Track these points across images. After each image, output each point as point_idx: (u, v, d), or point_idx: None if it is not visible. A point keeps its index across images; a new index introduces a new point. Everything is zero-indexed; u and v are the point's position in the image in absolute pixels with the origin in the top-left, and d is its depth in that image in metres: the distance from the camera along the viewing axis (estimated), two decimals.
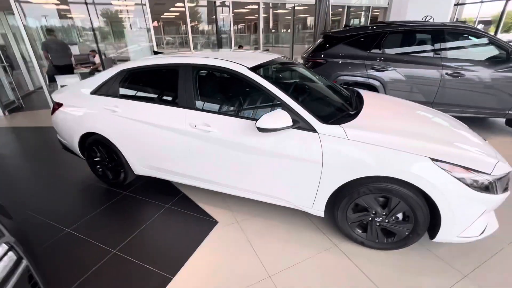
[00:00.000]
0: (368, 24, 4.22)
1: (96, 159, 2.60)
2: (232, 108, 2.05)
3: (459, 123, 2.11)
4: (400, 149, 1.54)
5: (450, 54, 3.56)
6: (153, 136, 2.16)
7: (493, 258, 1.74)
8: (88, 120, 2.41)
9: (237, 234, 2.00)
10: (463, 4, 16.40)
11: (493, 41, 3.48)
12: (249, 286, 1.59)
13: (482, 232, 1.62)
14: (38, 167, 3.22)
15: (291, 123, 1.65)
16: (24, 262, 0.98)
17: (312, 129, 1.69)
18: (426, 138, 1.63)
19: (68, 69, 6.14)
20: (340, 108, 2.00)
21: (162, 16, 11.65)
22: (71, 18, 8.27)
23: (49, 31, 5.92)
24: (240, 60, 1.97)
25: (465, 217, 1.53)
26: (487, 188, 1.49)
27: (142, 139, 2.22)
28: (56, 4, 7.39)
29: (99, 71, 7.71)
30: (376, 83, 3.77)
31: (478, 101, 3.58)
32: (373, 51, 3.76)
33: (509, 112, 3.54)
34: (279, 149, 1.75)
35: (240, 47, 8.00)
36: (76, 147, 2.62)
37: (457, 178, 1.47)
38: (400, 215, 1.69)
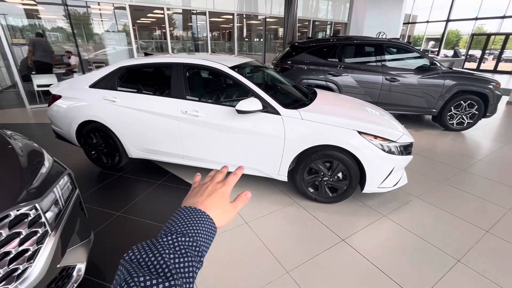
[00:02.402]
0: (328, 36, 5.02)
1: (93, 145, 2.95)
2: (215, 98, 2.58)
3: (385, 112, 2.85)
4: (338, 125, 2.19)
5: (389, 63, 4.46)
6: (148, 122, 2.60)
7: (405, 205, 2.45)
8: (87, 109, 2.78)
9: None
10: (412, 23, 18.64)
11: (420, 54, 4.44)
12: (230, 229, 2.10)
13: (395, 184, 2.32)
14: None
15: (261, 108, 2.22)
16: (77, 190, 1.41)
17: (277, 113, 2.28)
18: (355, 119, 2.31)
19: (47, 68, 6.23)
20: (298, 99, 2.64)
21: (137, 21, 11.83)
22: (45, 18, 8.21)
23: (38, 34, 6.19)
24: (222, 61, 2.52)
25: (381, 172, 2.21)
26: (393, 151, 2.19)
27: (138, 125, 2.65)
28: (31, 5, 7.37)
29: (75, 72, 7.75)
30: (333, 86, 4.54)
31: (411, 101, 4.49)
32: (330, 59, 4.54)
33: (433, 110, 4.50)
34: (253, 128, 2.31)
35: (213, 52, 8.55)
36: (73, 135, 2.95)
37: (374, 144, 2.15)
38: (340, 175, 2.33)
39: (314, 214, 2.31)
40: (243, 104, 2.19)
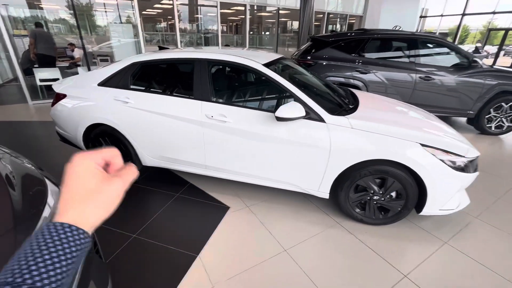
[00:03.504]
0: (348, 30, 4.62)
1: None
2: (246, 101, 2.22)
3: (434, 116, 2.48)
4: (397, 136, 1.83)
5: (422, 60, 4.05)
6: (166, 127, 2.26)
7: (465, 229, 2.11)
8: (96, 111, 2.43)
9: (249, 217, 2.18)
10: (427, 16, 17.99)
11: (457, 51, 4.03)
12: (268, 259, 1.78)
13: (458, 206, 1.97)
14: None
15: (304, 114, 1.87)
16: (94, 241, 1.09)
17: (321, 119, 1.93)
18: (415, 128, 1.95)
19: (51, 61, 5.88)
20: (340, 102, 2.27)
21: (142, 12, 11.38)
22: (47, 9, 7.82)
23: (38, 24, 5.78)
24: (253, 57, 2.15)
25: (446, 192, 1.86)
26: (462, 168, 1.83)
27: (154, 129, 2.31)
28: None
29: (78, 65, 7.39)
30: (359, 83, 4.16)
31: (445, 102, 4.10)
32: (358, 55, 4.14)
33: (470, 112, 4.11)
34: (291, 137, 1.96)
35: (227, 46, 8.13)
36: (80, 139, 2.61)
37: (440, 160, 1.79)
38: (393, 193, 1.98)
39: (362, 238, 1.97)
40: (284, 110, 1.83)
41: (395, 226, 2.10)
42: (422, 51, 4.07)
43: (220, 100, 2.14)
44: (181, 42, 7.40)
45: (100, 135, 2.54)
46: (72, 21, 6.71)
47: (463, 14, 15.59)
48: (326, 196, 2.11)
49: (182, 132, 2.23)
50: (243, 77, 2.40)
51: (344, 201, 2.07)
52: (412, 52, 4.07)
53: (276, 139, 1.99)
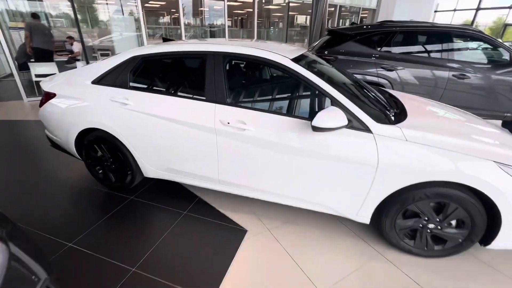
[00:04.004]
0: (381, 21, 4.20)
1: (97, 159, 2.25)
2: (270, 104, 1.83)
3: (491, 123, 2.08)
4: (463, 152, 1.44)
5: (456, 56, 3.62)
6: (172, 134, 1.88)
7: None
8: (89, 113, 2.07)
9: (272, 244, 1.81)
10: (441, 11, 17.33)
11: (497, 45, 3.59)
12: None
13: None
14: (20, 167, 2.76)
15: (346, 122, 1.48)
16: None
17: (366, 129, 1.54)
18: (484, 141, 1.55)
19: (48, 55, 5.51)
20: (385, 107, 1.87)
21: (145, 5, 10.95)
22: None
23: (34, 15, 5.39)
24: (274, 50, 1.76)
25: None
26: None
27: (158, 137, 1.94)
28: None
29: (78, 60, 7.03)
30: (384, 82, 3.74)
31: (480, 102, 3.68)
32: (383, 49, 3.71)
33: (508, 114, 3.68)
34: (327, 151, 1.58)
35: None
36: (71, 145, 2.25)
37: None
38: (454, 221, 1.60)
39: (413, 275, 1.60)
40: (323, 119, 1.44)
41: (451, 260, 1.71)
42: (457, 46, 3.64)
43: (238, 103, 1.76)
44: (185, 36, 7.01)
45: (95, 142, 2.17)
46: (71, 13, 6.34)
47: (478, 9, 14.96)
48: (366, 221, 1.73)
49: (191, 141, 1.86)
50: (265, 75, 2.01)
51: (389, 229, 1.69)
52: (445, 47, 3.63)
53: (308, 153, 1.61)
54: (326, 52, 3.94)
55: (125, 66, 2.01)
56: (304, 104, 1.73)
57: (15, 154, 3.06)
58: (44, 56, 5.51)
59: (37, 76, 5.31)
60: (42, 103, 2.27)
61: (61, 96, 2.15)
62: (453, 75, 3.58)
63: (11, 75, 7.45)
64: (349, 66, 3.75)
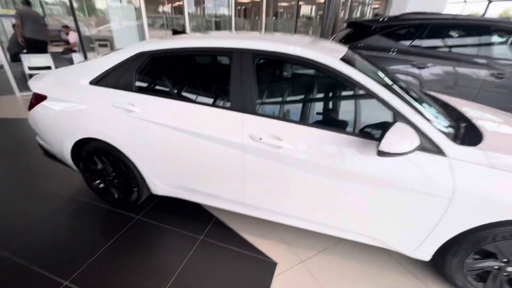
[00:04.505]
0: (402, 14, 3.81)
1: (97, 172, 1.93)
2: (312, 116, 1.49)
3: None
4: None
5: (496, 53, 3.26)
6: (188, 148, 1.56)
7: None
8: (87, 120, 1.73)
9: (308, 282, 1.51)
10: (451, 2, 16.74)
11: None
12: None
13: None
14: (7, 176, 2.43)
15: (419, 143, 1.16)
16: None
17: (440, 151, 1.22)
18: None
19: (41, 46, 5.09)
20: (454, 121, 1.53)
21: None
22: None
23: (26, 1, 4.92)
24: (319, 49, 1.42)
25: None
26: None
27: (171, 151, 1.61)
28: None
29: (74, 51, 6.60)
30: (413, 80, 3.40)
31: None
32: (413, 44, 3.35)
33: None
34: (390, 177, 1.26)
35: None
36: (67, 156, 1.92)
37: None
38: None
39: None
40: (392, 141, 1.11)
41: None
42: (495, 41, 3.27)
43: (272, 113, 1.42)
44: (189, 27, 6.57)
45: (95, 154, 1.85)
46: (67, 0, 5.88)
47: (490, 0, 14.42)
48: (426, 258, 1.43)
49: (212, 157, 1.53)
50: (304, 79, 1.65)
51: (455, 269, 1.39)
52: (483, 42, 3.27)
53: (363, 179, 1.29)
54: (354, 47, 3.57)
55: (130, 64, 1.65)
56: (357, 117, 1.39)
57: (2, 160, 2.72)
58: (37, 46, 5.10)
59: (30, 68, 4.91)
60: (31, 106, 1.92)
61: (53, 98, 1.81)
62: (491, 74, 3.24)
63: (2, 66, 7.02)
64: (376, 63, 3.39)
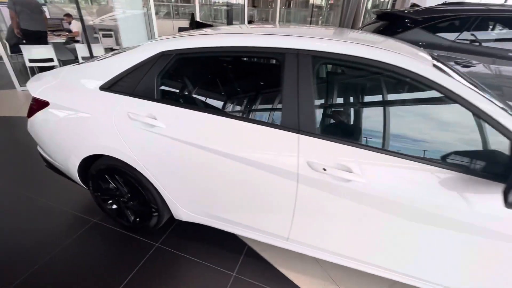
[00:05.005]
0: (445, 3, 3.42)
1: (109, 191, 1.64)
2: (399, 141, 1.15)
3: None
4: None
5: None
6: (225, 174, 1.25)
7: None
8: (97, 134, 1.42)
9: None
10: None
11: None
12: None
13: None
14: (5, 188, 2.15)
15: None
16: None
17: None
18: None
19: (40, 37, 4.73)
20: None
21: None
22: None
23: None
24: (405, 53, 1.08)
25: None
26: None
27: (202, 175, 1.31)
28: None
29: (77, 41, 6.24)
30: None
31: None
32: (459, 40, 2.97)
33: None
34: (506, 228, 0.95)
35: (250, 22, 6.82)
36: (73, 173, 1.63)
37: None
38: None
39: None
40: None
41: None
42: None
43: (338, 135, 1.10)
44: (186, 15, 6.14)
45: (107, 172, 1.55)
46: None
47: None
48: None
49: (255, 186, 1.23)
50: (378, 89, 1.31)
51: None
52: None
53: (466, 226, 0.98)
54: None
55: (151, 67, 1.33)
56: (459, 146, 1.07)
57: (1, 167, 2.44)
58: (37, 37, 4.75)
59: (31, 61, 4.58)
60: (31, 112, 1.62)
61: (57, 106, 1.50)
62: None
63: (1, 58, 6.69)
64: None
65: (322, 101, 1.13)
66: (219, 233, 1.75)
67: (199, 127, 1.24)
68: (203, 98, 1.33)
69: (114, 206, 1.72)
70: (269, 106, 1.20)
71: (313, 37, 1.15)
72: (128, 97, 1.36)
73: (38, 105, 1.56)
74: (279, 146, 1.14)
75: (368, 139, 1.09)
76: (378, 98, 1.21)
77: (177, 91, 1.35)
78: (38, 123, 1.60)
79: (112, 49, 6.81)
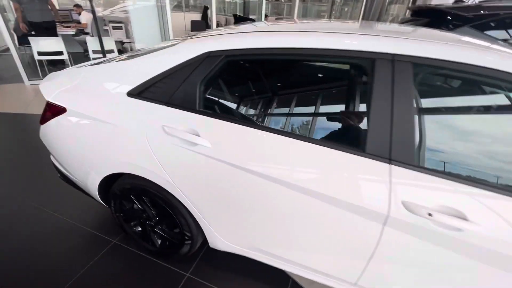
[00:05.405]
0: None
1: (133, 212, 1.42)
2: None
3: None
4: None
5: None
6: (288, 207, 1.01)
7: None
8: (124, 149, 1.19)
9: None
10: None
11: None
12: None
13: None
14: (10, 199, 1.94)
15: None
16: None
17: None
18: None
19: (49, 28, 4.50)
20: None
21: None
22: None
23: None
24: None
25: None
26: None
27: (254, 205, 1.07)
28: None
29: (86, 33, 6.01)
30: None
31: None
32: None
33: None
34: None
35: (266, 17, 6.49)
36: (92, 191, 1.41)
37: None
38: None
39: None
40: None
41: None
42: None
43: (447, 169, 0.85)
44: (190, 6, 5.82)
45: (132, 192, 1.32)
46: None
47: None
48: None
49: (322, 223, 0.98)
50: (504, 110, 1.02)
51: None
52: None
53: None
54: None
55: (193, 70, 1.08)
56: None
57: (10, 171, 2.24)
58: (45, 28, 4.51)
59: (40, 54, 4.36)
60: (44, 119, 1.39)
61: (75, 113, 1.26)
62: None
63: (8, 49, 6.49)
64: None
65: (425, 122, 0.87)
66: (255, 262, 1.52)
67: (256, 149, 0.99)
68: (261, 113, 1.07)
69: (138, 229, 1.49)
70: (350, 125, 0.94)
71: (412, 39, 0.89)
72: (163, 106, 1.12)
73: (53, 111, 1.32)
74: (363, 178, 0.89)
75: (485, 174, 0.83)
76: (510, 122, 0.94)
77: (227, 102, 1.10)
78: (53, 132, 1.37)
79: (122, 42, 6.57)
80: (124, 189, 1.32)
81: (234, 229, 1.20)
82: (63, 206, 1.86)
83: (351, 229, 0.95)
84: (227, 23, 8.56)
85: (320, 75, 0.98)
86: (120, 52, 5.20)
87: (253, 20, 1.68)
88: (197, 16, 8.37)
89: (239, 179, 1.02)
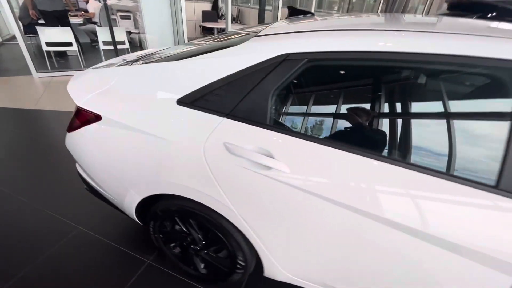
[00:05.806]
0: None
1: (175, 233, 1.25)
2: None
3: None
4: None
5: None
6: (383, 246, 0.83)
7: None
8: (175, 168, 1.01)
9: None
10: None
11: None
12: None
13: None
14: (20, 211, 1.78)
15: None
16: None
17: None
18: None
19: (61, 17, 4.27)
20: None
21: None
22: None
23: None
24: None
25: None
26: None
27: (339, 242, 0.89)
28: None
29: (94, 23, 5.76)
30: None
31: None
32: None
33: None
34: None
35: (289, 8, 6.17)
36: (129, 209, 1.23)
37: None
38: None
39: None
40: None
41: None
42: None
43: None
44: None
45: (178, 214, 1.15)
46: None
47: None
48: None
49: (422, 265, 0.81)
50: None
51: None
52: None
53: None
54: None
55: (265, 76, 0.88)
56: None
57: (27, 179, 2.07)
58: (55, 17, 4.27)
59: (48, 44, 4.13)
60: (73, 126, 1.20)
61: (113, 122, 1.07)
62: None
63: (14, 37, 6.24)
64: None
65: None
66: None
67: (349, 178, 0.80)
68: (357, 133, 0.87)
69: (178, 250, 1.33)
70: (472, 151, 0.75)
71: None
72: (225, 118, 0.93)
73: (85, 118, 1.14)
74: (493, 220, 0.71)
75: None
76: None
77: (309, 116, 0.90)
78: (83, 142, 1.19)
79: (129, 33, 6.30)
80: (168, 210, 1.15)
81: (301, 262, 1.03)
82: (88, 215, 1.70)
83: (476, 282, 0.77)
84: (239, 14, 8.24)
85: (441, 89, 0.77)
86: (129, 43, 4.95)
87: (312, 14, 1.44)
88: (207, 6, 8.05)
89: (328, 213, 0.84)
